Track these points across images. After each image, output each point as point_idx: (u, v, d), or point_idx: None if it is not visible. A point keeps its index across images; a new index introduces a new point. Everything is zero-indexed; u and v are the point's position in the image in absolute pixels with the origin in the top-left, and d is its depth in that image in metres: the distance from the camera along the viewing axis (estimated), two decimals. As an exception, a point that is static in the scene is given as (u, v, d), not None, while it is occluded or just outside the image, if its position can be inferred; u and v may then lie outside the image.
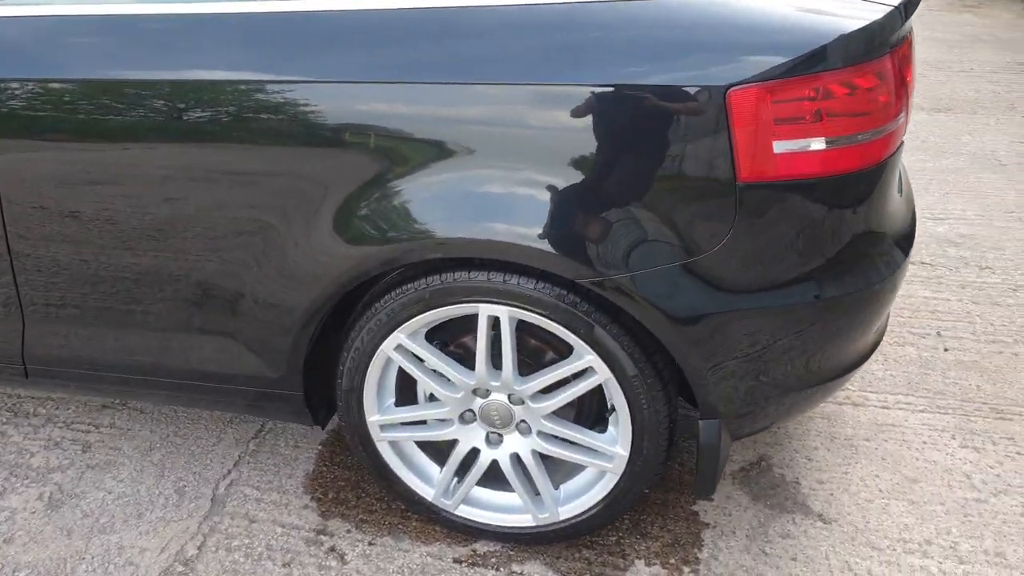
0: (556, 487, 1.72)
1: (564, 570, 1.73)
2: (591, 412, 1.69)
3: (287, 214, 1.51)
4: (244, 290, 1.62)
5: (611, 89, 1.34)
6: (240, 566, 1.78)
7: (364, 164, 1.45)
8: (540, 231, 1.40)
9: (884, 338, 2.03)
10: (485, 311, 1.52)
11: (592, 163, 1.37)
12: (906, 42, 1.48)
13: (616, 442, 1.60)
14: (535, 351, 1.64)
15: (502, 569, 1.74)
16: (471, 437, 1.71)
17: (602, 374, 1.52)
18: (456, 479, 1.76)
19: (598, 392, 1.60)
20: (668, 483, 1.93)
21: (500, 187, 1.42)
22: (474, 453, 1.72)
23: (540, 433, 1.65)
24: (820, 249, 1.42)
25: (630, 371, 1.49)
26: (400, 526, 1.86)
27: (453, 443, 1.72)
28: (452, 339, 1.68)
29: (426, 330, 1.61)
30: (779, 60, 1.31)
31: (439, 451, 1.78)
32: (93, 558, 1.81)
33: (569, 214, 1.40)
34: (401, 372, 1.69)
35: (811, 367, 1.52)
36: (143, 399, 1.95)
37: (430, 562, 1.76)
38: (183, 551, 1.82)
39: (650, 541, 1.79)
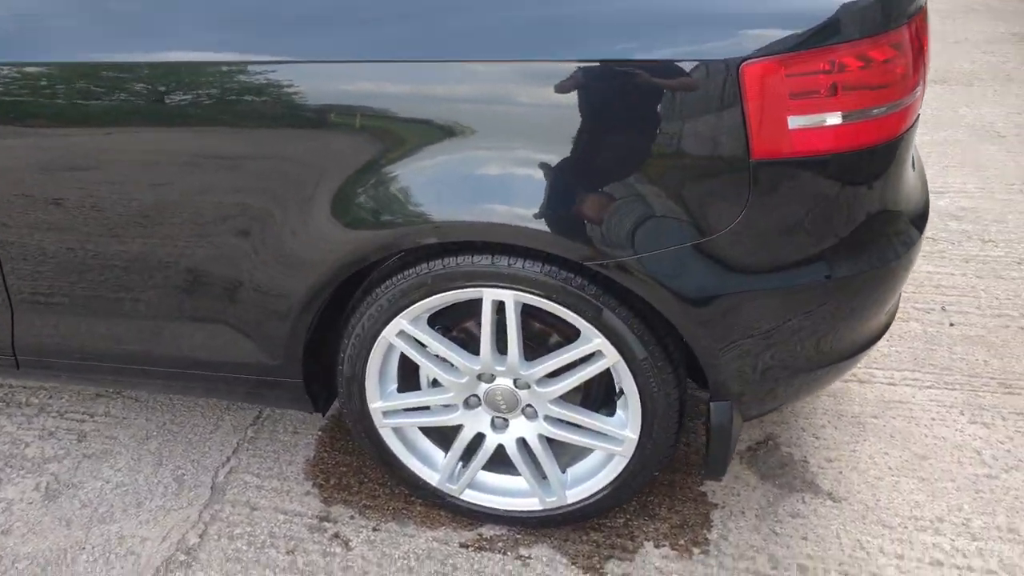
0: (563, 470, 1.70)
1: (572, 553, 1.71)
2: (598, 395, 1.67)
3: (279, 199, 1.46)
4: (239, 276, 1.57)
5: (620, 64, 1.29)
6: (243, 554, 1.75)
7: (354, 147, 1.40)
8: (546, 213, 1.36)
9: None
10: (489, 295, 1.48)
11: (600, 142, 1.33)
12: (922, 11, 1.43)
13: (625, 425, 1.57)
14: (540, 335, 1.60)
15: (509, 553, 1.72)
16: (476, 422, 1.68)
17: (611, 357, 1.48)
18: (461, 464, 1.73)
19: (605, 375, 1.57)
20: (675, 464, 1.91)
21: (502, 168, 1.37)
22: (479, 438, 1.69)
23: (547, 417, 1.62)
24: (835, 227, 1.38)
25: (640, 354, 1.46)
26: (404, 511, 1.83)
27: (458, 428, 1.69)
28: (454, 324, 1.64)
29: (428, 315, 1.57)
30: (793, 32, 1.26)
31: (443, 436, 1.75)
32: (94, 548, 1.78)
33: (577, 195, 1.36)
34: (403, 358, 1.66)
35: (824, 347, 1.49)
36: (138, 388, 1.91)
37: (436, 547, 1.74)
38: (184, 540, 1.79)
39: (658, 522, 1.77)
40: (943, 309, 2.44)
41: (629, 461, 1.60)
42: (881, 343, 2.28)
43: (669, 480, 1.87)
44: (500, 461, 1.71)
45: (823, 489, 1.83)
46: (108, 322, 1.73)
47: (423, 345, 1.59)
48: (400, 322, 1.54)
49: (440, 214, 1.40)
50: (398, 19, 1.37)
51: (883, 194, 1.42)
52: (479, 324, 1.55)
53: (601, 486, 1.66)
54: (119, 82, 1.45)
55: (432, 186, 1.40)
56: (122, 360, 1.79)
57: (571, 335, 1.55)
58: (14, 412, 2.19)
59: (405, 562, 1.71)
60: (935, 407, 2.05)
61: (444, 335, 1.60)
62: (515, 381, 1.60)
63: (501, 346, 1.56)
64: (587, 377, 1.54)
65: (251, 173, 1.45)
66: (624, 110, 1.31)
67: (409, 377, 1.70)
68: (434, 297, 1.50)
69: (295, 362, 1.64)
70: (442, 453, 1.76)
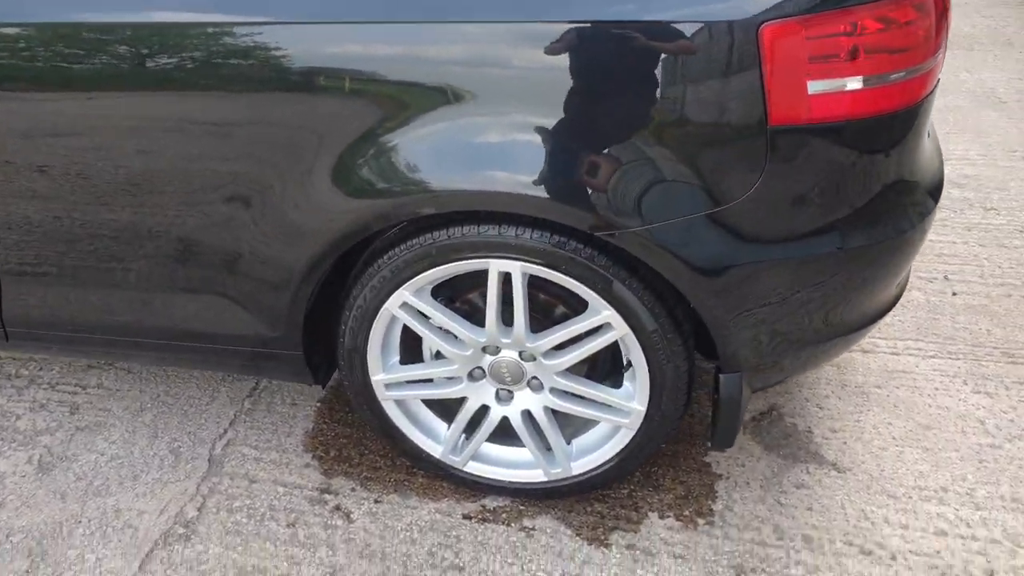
0: (568, 442, 1.68)
1: (576, 524, 1.70)
2: (604, 367, 1.64)
3: (275, 167, 1.41)
4: (235, 246, 1.52)
5: (633, 25, 1.23)
6: (243, 527, 1.73)
7: (347, 113, 1.34)
8: (552, 181, 1.31)
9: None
10: (496, 267, 1.44)
11: (612, 107, 1.28)
12: (945, -29, 1.38)
13: (632, 397, 1.55)
14: (545, 306, 1.57)
15: (513, 524, 1.71)
16: (481, 394, 1.65)
17: (620, 329, 1.45)
18: (464, 436, 1.71)
19: (612, 346, 1.54)
20: (678, 434, 1.90)
21: (507, 134, 1.32)
22: (483, 410, 1.67)
23: (553, 390, 1.60)
24: (852, 196, 1.35)
25: (649, 326, 1.43)
26: (406, 483, 1.81)
27: (462, 400, 1.67)
28: (458, 295, 1.60)
29: (431, 287, 1.53)
30: (813, -9, 1.21)
31: (446, 408, 1.72)
32: (90, 521, 1.75)
33: (586, 163, 1.31)
34: (405, 329, 1.62)
35: (836, 318, 1.47)
36: (130, 360, 1.87)
37: (439, 519, 1.73)
38: (183, 513, 1.77)
39: (663, 493, 1.76)
40: (946, 278, 2.42)
41: (636, 433, 1.58)
42: (884, 312, 2.26)
43: (672, 451, 1.86)
44: (503, 432, 1.69)
45: (827, 459, 1.82)
46: (99, 293, 1.68)
47: (426, 317, 1.55)
48: (403, 294, 1.50)
49: (439, 182, 1.35)
50: None
51: (901, 161, 1.39)
52: (483, 296, 1.51)
53: (607, 458, 1.64)
54: (100, 44, 1.38)
55: (430, 154, 1.35)
56: (114, 332, 1.75)
57: (577, 306, 1.51)
58: (4, 384, 2.14)
59: (408, 534, 1.69)
60: (938, 377, 2.04)
61: (447, 307, 1.56)
62: (521, 353, 1.57)
63: (506, 318, 1.52)
64: (595, 349, 1.51)
65: (242, 140, 1.40)
66: (637, 75, 1.25)
67: (412, 349, 1.67)
68: (439, 268, 1.46)
69: (295, 333, 1.60)
70: (445, 425, 1.73)
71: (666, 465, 1.82)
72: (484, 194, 1.35)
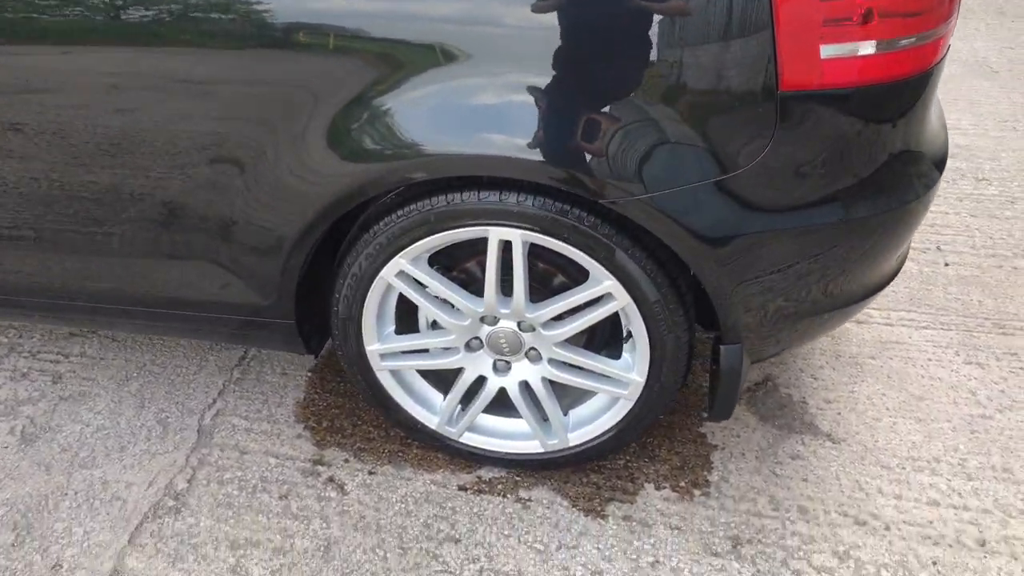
0: (565, 413, 1.66)
1: (573, 495, 1.69)
2: (602, 337, 1.62)
3: (266, 128, 1.35)
4: (223, 211, 1.47)
5: (642, -16, 1.19)
6: (234, 499, 1.70)
7: (336, 72, 1.29)
8: (552, 145, 1.27)
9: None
10: (496, 235, 1.40)
11: (616, 69, 1.23)
12: (960, -67, 1.35)
13: (632, 368, 1.53)
14: (544, 275, 1.54)
15: (509, 496, 1.70)
16: (478, 365, 1.62)
17: (621, 300, 1.43)
18: (460, 407, 1.69)
19: (610, 317, 1.51)
20: (674, 405, 1.89)
21: (501, 96, 1.28)
22: (480, 381, 1.64)
23: (551, 360, 1.58)
24: (861, 164, 1.32)
25: (652, 296, 1.41)
26: (400, 454, 1.79)
27: (458, 371, 1.64)
28: (455, 264, 1.56)
29: (428, 255, 1.49)
30: (828, -50, 1.17)
31: (442, 378, 1.70)
32: (76, 494, 1.72)
33: (589, 127, 1.27)
34: (401, 298, 1.58)
35: (838, 289, 1.45)
36: (116, 328, 1.82)
37: (434, 490, 1.71)
38: (172, 485, 1.73)
39: (659, 464, 1.75)
40: (938, 248, 2.42)
41: (634, 404, 1.57)
42: (877, 283, 2.26)
43: (668, 422, 1.85)
44: (499, 403, 1.66)
45: (822, 430, 1.83)
46: (80, 258, 1.62)
47: (423, 286, 1.52)
48: (400, 262, 1.46)
49: (433, 146, 1.31)
50: None
51: (908, 132, 1.36)
52: (481, 265, 1.47)
53: (604, 429, 1.63)
54: None
55: (424, 116, 1.30)
56: (98, 299, 1.70)
57: (576, 276, 1.48)
58: (-18, 353, 2.08)
59: (403, 506, 1.68)
60: (931, 347, 2.04)
61: (445, 276, 1.53)
62: (519, 324, 1.54)
63: (504, 288, 1.49)
64: (596, 320, 1.48)
65: (226, 99, 1.34)
66: (642, 36, 1.21)
67: (407, 318, 1.63)
68: (437, 236, 1.42)
69: (287, 302, 1.56)
70: (441, 396, 1.71)
71: (662, 436, 1.82)
72: (478, 158, 1.30)
